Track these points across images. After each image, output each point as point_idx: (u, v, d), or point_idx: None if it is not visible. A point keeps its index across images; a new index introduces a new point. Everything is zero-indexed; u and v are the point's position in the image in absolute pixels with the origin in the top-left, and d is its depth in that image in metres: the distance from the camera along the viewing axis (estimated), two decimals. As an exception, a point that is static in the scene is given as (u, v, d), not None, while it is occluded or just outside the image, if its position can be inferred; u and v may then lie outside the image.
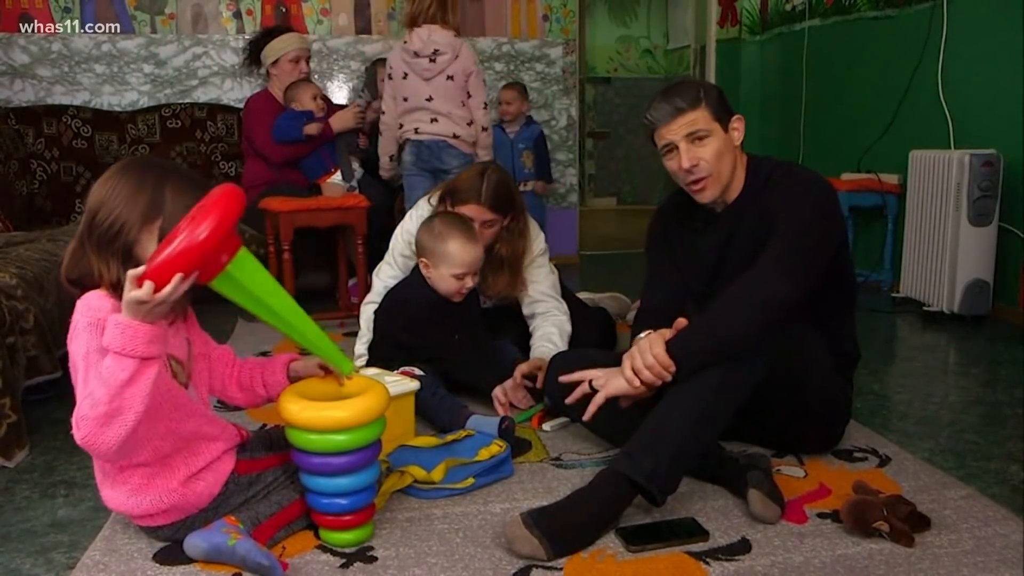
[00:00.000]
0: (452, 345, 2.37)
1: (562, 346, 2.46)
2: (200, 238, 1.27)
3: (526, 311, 2.60)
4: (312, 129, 3.67)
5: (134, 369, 1.32)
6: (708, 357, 1.67)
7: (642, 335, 1.77)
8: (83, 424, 1.33)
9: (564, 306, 2.60)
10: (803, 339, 1.82)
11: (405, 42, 3.42)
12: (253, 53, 4.05)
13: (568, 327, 2.55)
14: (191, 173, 1.53)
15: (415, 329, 2.36)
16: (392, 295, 2.51)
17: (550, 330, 2.50)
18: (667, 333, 1.72)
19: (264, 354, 3.01)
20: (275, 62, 3.91)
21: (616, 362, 1.79)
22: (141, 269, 1.30)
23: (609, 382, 1.74)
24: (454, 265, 2.29)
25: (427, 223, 2.38)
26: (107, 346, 1.32)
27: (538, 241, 2.64)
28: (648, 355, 1.68)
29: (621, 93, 8.72)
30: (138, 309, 1.30)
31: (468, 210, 2.42)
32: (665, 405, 1.68)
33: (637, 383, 1.70)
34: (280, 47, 3.90)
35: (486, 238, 2.46)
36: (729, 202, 1.91)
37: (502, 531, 1.61)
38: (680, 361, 1.67)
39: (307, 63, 3.99)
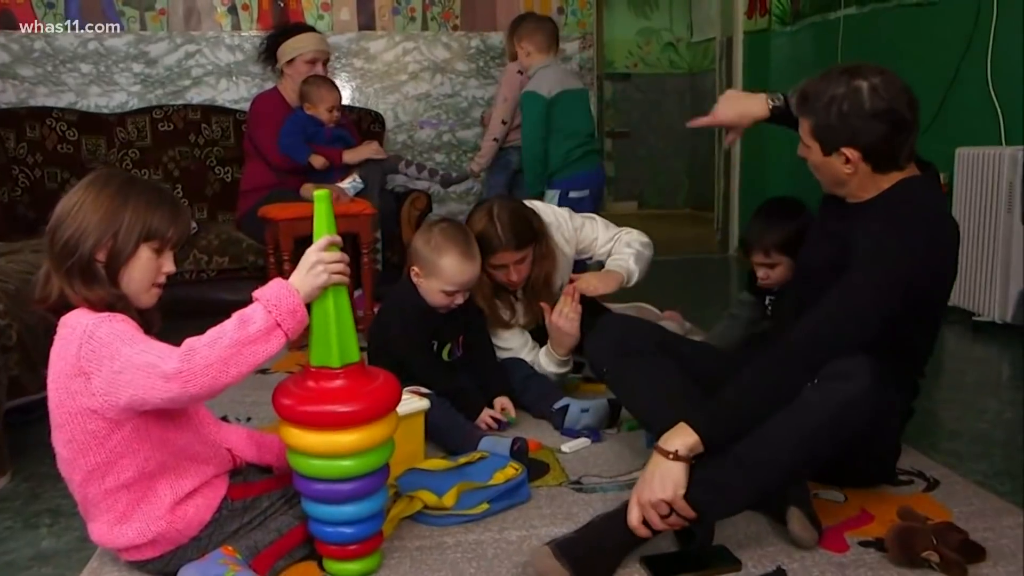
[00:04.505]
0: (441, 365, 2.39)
1: (636, 256, 2.69)
2: None
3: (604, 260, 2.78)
4: (317, 163, 3.68)
5: (269, 328, 1.40)
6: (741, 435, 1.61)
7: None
8: (193, 357, 1.37)
9: (627, 231, 2.79)
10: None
11: (520, 73, 4.05)
12: (270, 49, 4.07)
13: (643, 237, 2.78)
14: (154, 186, 1.60)
15: (408, 340, 2.36)
16: (385, 307, 2.52)
17: (623, 250, 2.72)
18: (683, 471, 1.59)
19: (264, 372, 3.02)
20: (290, 61, 3.92)
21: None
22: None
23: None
24: (446, 281, 2.30)
25: (425, 230, 2.38)
26: (259, 296, 1.43)
27: (561, 230, 2.72)
28: (667, 486, 1.57)
29: (642, 90, 8.71)
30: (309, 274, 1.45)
31: (500, 259, 2.49)
32: (736, 456, 1.60)
33: (644, 531, 1.58)
34: (297, 47, 3.91)
35: (523, 272, 2.55)
36: (857, 201, 1.83)
37: (529, 561, 1.60)
38: (710, 445, 1.60)
39: (324, 66, 4.00)
